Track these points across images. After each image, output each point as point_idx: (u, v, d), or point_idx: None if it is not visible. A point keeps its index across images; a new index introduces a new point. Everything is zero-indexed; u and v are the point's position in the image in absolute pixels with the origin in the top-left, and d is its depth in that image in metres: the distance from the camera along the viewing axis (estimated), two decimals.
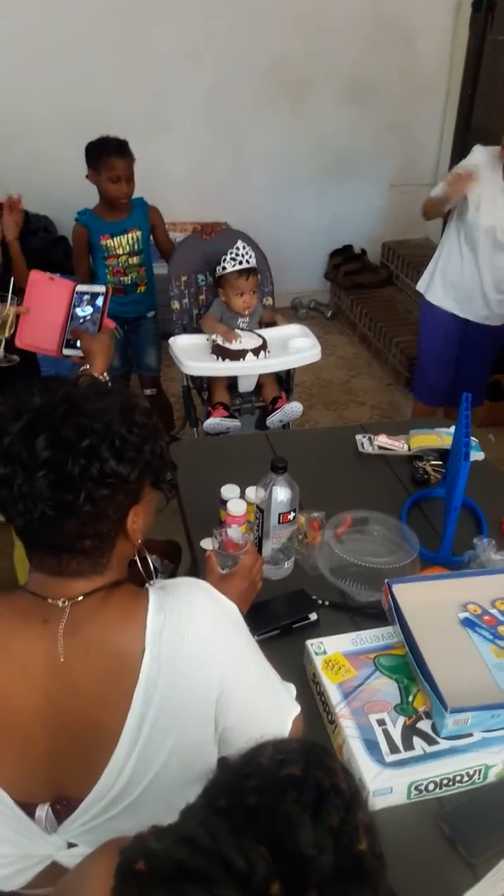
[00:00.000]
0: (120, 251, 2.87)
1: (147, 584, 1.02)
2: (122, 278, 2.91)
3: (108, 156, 2.72)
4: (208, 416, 2.62)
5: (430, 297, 2.86)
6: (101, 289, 1.69)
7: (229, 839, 0.54)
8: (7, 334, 1.69)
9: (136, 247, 2.88)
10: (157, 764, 0.97)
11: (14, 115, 3.74)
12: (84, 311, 1.67)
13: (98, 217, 2.86)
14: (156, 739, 0.96)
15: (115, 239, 2.86)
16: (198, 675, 0.96)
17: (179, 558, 1.95)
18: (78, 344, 1.64)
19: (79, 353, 1.64)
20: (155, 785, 0.98)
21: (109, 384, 1.61)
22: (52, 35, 3.66)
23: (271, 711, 1.05)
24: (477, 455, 1.91)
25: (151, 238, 2.98)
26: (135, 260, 2.90)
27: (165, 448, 1.03)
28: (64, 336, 1.67)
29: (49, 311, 1.68)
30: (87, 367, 1.59)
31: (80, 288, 1.70)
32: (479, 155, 2.60)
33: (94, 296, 1.68)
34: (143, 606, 0.96)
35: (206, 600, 1.01)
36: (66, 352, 1.67)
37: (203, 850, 0.54)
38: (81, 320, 1.67)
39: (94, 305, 1.67)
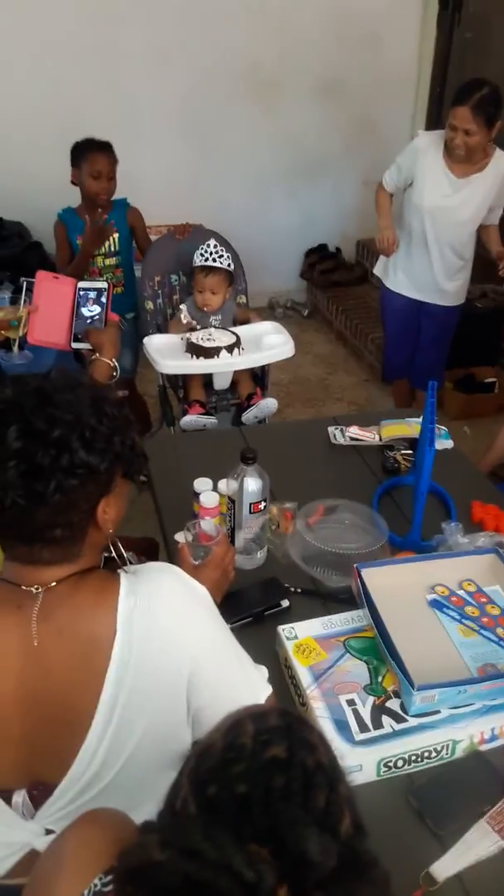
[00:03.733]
0: (97, 252, 2.88)
1: (119, 570, 1.03)
2: (98, 278, 2.91)
3: (90, 152, 2.76)
4: (185, 413, 2.64)
5: (388, 282, 3.03)
6: (102, 284, 1.78)
7: (236, 852, 0.55)
8: (22, 332, 1.77)
9: (112, 248, 2.89)
10: (129, 746, 0.98)
11: None
12: (91, 310, 1.76)
13: (77, 216, 2.87)
14: (128, 721, 0.97)
15: None
16: (168, 656, 0.98)
17: (156, 555, 1.97)
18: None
19: (87, 345, 1.74)
20: (129, 767, 1.00)
21: (117, 374, 1.71)
22: (23, 40, 3.67)
23: (244, 691, 1.07)
24: (445, 443, 1.95)
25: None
26: (111, 261, 2.91)
27: (136, 439, 1.04)
28: (72, 331, 1.76)
29: (56, 307, 1.76)
30: (96, 356, 1.69)
31: (83, 284, 1.78)
32: (422, 140, 2.80)
33: (99, 293, 1.76)
34: (115, 590, 0.98)
35: (176, 584, 1.03)
36: (75, 345, 1.77)
37: (211, 863, 0.55)
38: (89, 320, 1.76)
39: (99, 303, 1.76)
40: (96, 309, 1.75)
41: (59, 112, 3.73)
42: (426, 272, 2.90)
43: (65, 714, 0.97)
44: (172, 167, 4.16)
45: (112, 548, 1.12)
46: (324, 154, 4.41)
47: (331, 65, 4.21)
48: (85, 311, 1.75)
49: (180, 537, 1.65)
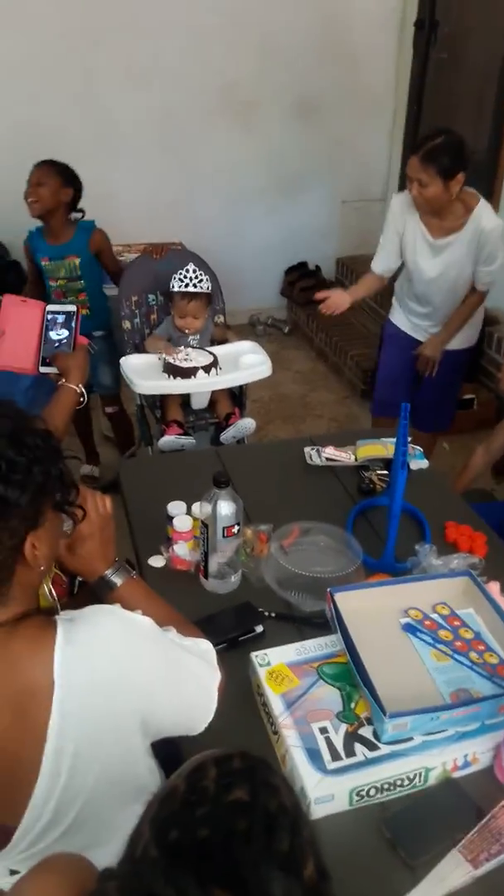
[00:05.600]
0: (59, 275, 2.90)
1: (56, 617, 0.99)
2: (62, 300, 2.94)
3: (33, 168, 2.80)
4: (163, 434, 2.63)
5: (392, 316, 2.91)
6: (71, 308, 1.78)
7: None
8: None
9: (74, 273, 2.91)
10: (84, 792, 0.96)
11: None
12: (59, 334, 1.75)
13: (41, 238, 2.89)
14: (79, 770, 0.94)
15: (53, 263, 2.89)
16: (115, 702, 0.95)
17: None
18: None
19: (55, 369, 1.72)
20: (88, 809, 0.97)
21: (84, 399, 1.70)
22: (1, 58, 3.68)
23: (197, 695, 1.08)
24: (421, 463, 1.95)
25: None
26: (76, 285, 2.93)
27: (66, 469, 1.01)
28: (39, 354, 1.74)
29: (23, 331, 1.75)
30: (64, 381, 1.67)
31: (51, 308, 1.77)
32: (396, 202, 2.67)
33: (67, 317, 1.75)
34: (51, 639, 0.93)
35: (115, 626, 0.99)
36: (42, 369, 1.75)
37: None
38: (57, 343, 1.74)
39: (68, 328, 1.75)
40: (64, 333, 1.73)
41: (39, 131, 3.73)
42: (424, 321, 2.78)
43: (10, 765, 0.93)
44: (152, 186, 4.18)
45: (46, 587, 1.08)
46: (303, 173, 4.45)
47: (309, 84, 4.25)
48: (53, 335, 1.74)
49: (155, 561, 1.65)
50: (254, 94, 4.19)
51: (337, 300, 2.73)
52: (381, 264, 2.76)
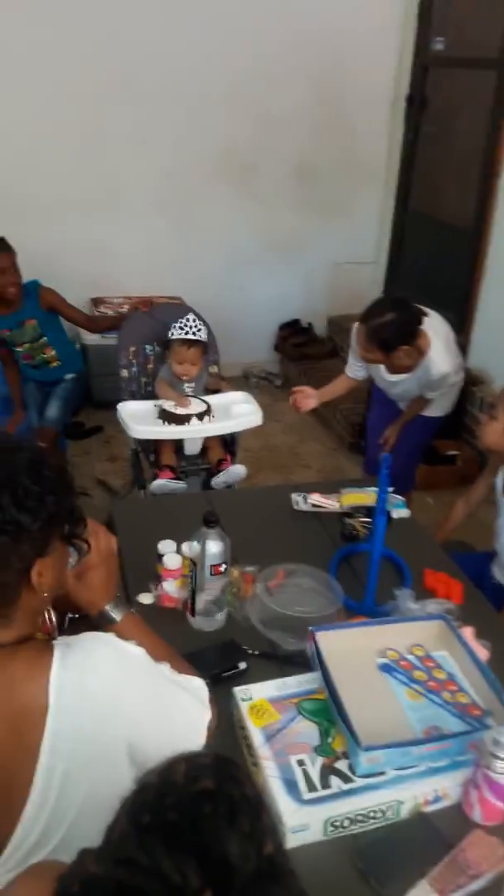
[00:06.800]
0: (23, 339, 3.05)
1: (53, 641, 1.05)
2: (31, 361, 3.13)
3: None
4: (155, 478, 2.70)
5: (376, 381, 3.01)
6: None
7: (165, 857, 0.59)
8: None
9: (36, 334, 3.05)
10: (71, 812, 1.00)
11: None
12: None
13: None
14: (69, 790, 0.99)
15: (13, 332, 3.05)
16: (104, 725, 1.00)
17: None
18: None
19: None
20: (75, 830, 1.01)
21: None
22: (5, 113, 3.87)
23: (185, 729, 1.12)
24: (402, 512, 2.03)
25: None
26: (40, 343, 3.07)
27: (76, 504, 1.08)
28: None
29: None
30: None
31: None
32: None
33: None
34: (48, 662, 0.99)
35: (108, 653, 1.04)
36: None
37: (142, 869, 0.59)
38: None
39: None
40: None
41: (42, 188, 3.92)
42: (397, 399, 2.91)
43: (2, 786, 0.98)
44: (152, 242, 4.35)
45: (47, 614, 1.15)
46: (298, 235, 4.64)
47: (305, 152, 4.47)
48: None
49: (144, 598, 1.71)
50: (252, 159, 4.40)
51: (304, 400, 2.82)
52: (352, 373, 2.89)
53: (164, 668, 1.16)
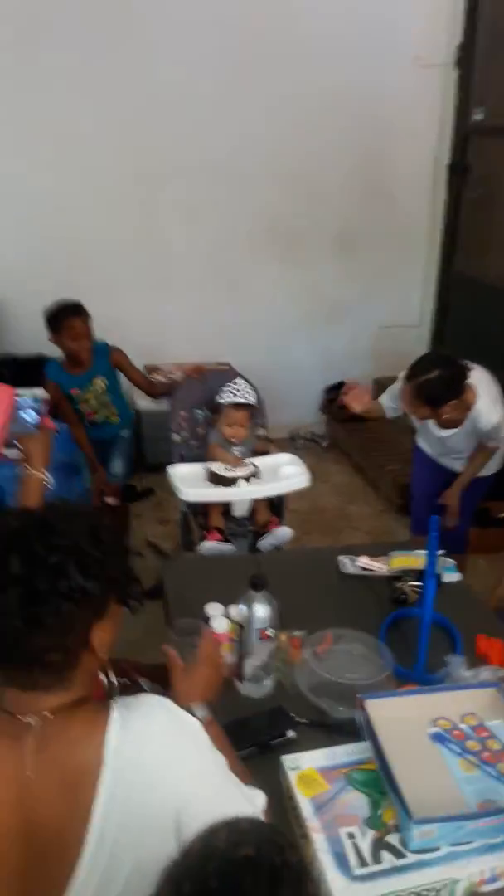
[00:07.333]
0: (89, 398, 3.18)
1: (111, 701, 1.06)
2: (94, 417, 3.26)
3: (66, 318, 3.08)
4: (203, 539, 2.72)
5: (419, 442, 3.04)
6: (40, 392, 1.85)
7: None
8: None
9: (102, 392, 3.21)
10: (119, 883, 0.99)
11: (33, 266, 4.10)
12: (29, 415, 1.79)
13: (65, 371, 3.20)
14: (118, 856, 0.98)
15: (83, 390, 3.19)
16: (155, 793, 1.00)
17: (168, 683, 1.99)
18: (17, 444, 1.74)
19: (17, 452, 1.73)
20: None
21: (49, 484, 1.70)
22: (68, 190, 4.11)
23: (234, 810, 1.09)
24: (453, 576, 2.00)
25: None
26: (104, 400, 3.21)
27: (130, 566, 1.11)
28: (5, 437, 1.75)
29: None
30: (27, 467, 1.69)
31: (21, 391, 1.81)
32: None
33: (35, 401, 1.81)
34: (105, 722, 1.00)
35: (165, 717, 1.05)
36: (5, 451, 1.75)
37: None
38: (23, 423, 1.77)
39: (36, 410, 1.79)
40: (33, 415, 1.77)
41: (99, 257, 4.12)
42: (443, 457, 2.91)
43: (56, 847, 0.98)
44: (202, 311, 4.50)
45: (103, 674, 1.16)
46: (342, 300, 4.74)
47: (348, 220, 4.58)
48: (22, 415, 1.77)
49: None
50: (297, 228, 4.53)
51: (357, 398, 2.83)
52: (386, 403, 2.90)
53: (222, 760, 1.12)
